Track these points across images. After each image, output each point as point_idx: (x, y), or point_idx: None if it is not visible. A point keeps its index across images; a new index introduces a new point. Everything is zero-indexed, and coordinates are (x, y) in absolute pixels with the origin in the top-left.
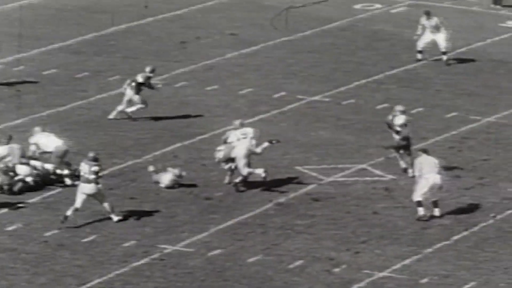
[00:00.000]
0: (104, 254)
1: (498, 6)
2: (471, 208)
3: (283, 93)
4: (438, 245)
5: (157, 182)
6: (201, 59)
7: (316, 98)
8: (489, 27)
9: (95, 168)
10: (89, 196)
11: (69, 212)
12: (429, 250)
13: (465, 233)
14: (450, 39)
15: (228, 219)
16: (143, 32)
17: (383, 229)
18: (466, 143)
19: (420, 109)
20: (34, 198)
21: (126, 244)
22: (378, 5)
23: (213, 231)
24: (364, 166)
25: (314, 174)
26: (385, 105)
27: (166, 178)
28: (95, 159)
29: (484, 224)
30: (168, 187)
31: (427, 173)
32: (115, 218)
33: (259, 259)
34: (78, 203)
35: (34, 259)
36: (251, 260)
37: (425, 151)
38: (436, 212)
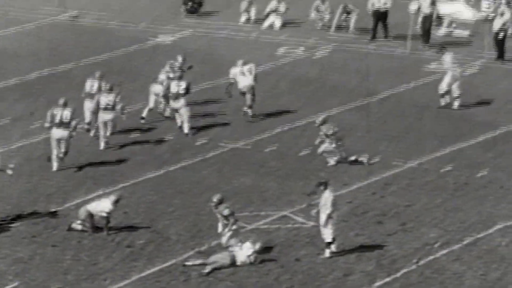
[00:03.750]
0: None
1: (422, 48)
2: (394, 254)
3: (205, 140)
4: None
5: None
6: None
7: (239, 144)
8: (412, 70)
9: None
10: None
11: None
12: None
13: (387, 279)
14: (373, 83)
15: (150, 267)
16: (67, 77)
17: (306, 276)
18: (389, 188)
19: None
20: None
21: None
22: (301, 49)
23: (135, 279)
24: (286, 213)
25: None
26: (308, 151)
27: (105, 206)
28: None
29: (407, 270)
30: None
31: (324, 212)
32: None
33: None
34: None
35: None
36: None
37: (325, 185)
38: (327, 253)
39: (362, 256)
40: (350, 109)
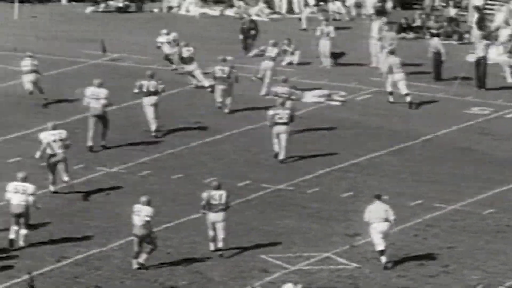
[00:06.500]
0: None
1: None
2: None
3: (247, 182)
4: None
5: None
6: (166, 148)
7: (281, 186)
8: (454, 114)
9: None
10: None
11: None
12: None
13: None
14: (415, 126)
15: None
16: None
17: None
18: (431, 231)
19: (385, 197)
20: None
21: None
22: (342, 93)
23: None
24: (328, 254)
25: (278, 262)
26: (350, 193)
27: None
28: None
29: None
30: None
31: (374, 221)
32: None
33: None
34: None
35: None
36: None
37: (379, 197)
38: (383, 259)
39: None
40: (393, 152)
